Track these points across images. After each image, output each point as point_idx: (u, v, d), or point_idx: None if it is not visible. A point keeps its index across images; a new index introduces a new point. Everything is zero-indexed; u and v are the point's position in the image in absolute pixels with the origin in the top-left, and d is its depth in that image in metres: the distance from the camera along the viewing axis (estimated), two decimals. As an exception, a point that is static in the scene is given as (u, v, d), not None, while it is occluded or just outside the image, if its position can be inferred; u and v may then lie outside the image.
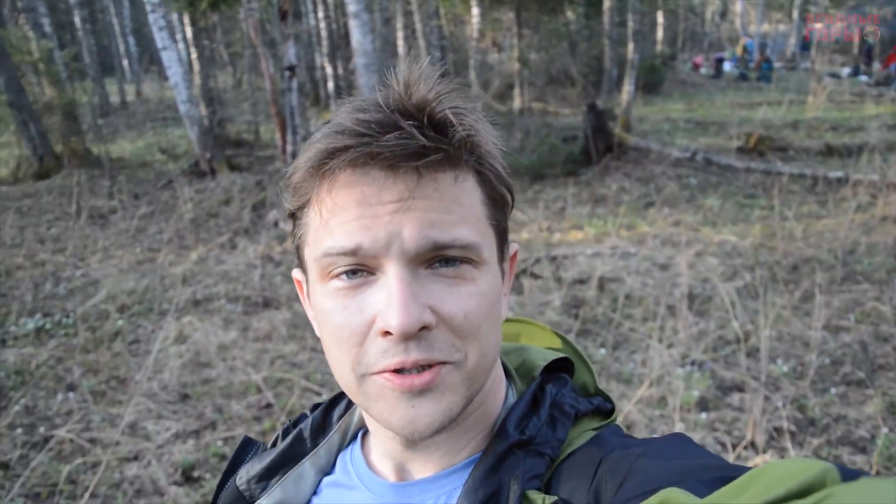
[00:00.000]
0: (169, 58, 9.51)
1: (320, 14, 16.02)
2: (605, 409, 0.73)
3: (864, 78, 22.47)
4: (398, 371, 0.61)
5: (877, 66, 24.83)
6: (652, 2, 25.69)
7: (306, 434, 0.81)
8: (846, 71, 24.01)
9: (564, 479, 0.64)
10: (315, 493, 0.79)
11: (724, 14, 40.08)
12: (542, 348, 0.80)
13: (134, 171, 11.36)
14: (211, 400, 4.17)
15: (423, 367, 0.61)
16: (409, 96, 0.61)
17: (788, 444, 3.34)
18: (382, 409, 0.63)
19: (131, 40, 28.60)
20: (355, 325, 0.62)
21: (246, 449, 0.85)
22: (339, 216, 0.62)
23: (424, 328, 0.60)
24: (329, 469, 0.80)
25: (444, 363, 0.61)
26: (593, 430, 0.69)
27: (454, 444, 0.71)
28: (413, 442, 0.70)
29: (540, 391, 0.71)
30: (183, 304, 5.51)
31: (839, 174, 8.95)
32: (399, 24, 13.03)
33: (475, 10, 14.88)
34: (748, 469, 0.49)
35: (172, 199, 9.22)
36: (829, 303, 4.96)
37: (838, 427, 3.54)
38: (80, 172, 10.42)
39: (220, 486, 0.83)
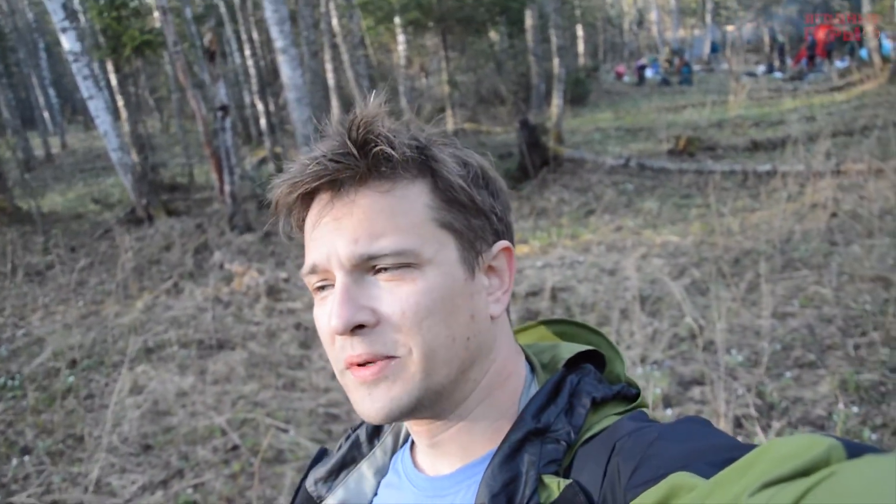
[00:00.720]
0: (96, 106, 9.34)
1: (247, 52, 15.94)
2: (630, 395, 0.75)
3: (778, 75, 23.39)
4: (360, 366, 0.69)
5: (789, 62, 25.87)
6: (571, 16, 26.33)
7: (363, 438, 0.88)
8: (761, 69, 24.99)
9: (581, 464, 0.66)
10: (375, 494, 0.84)
11: (640, 23, 41.28)
12: (575, 344, 0.82)
13: (67, 223, 11.07)
14: (175, 448, 4.08)
15: (372, 362, 0.68)
16: (346, 125, 0.70)
17: (757, 429, 3.44)
18: (354, 399, 0.71)
19: (51, 92, 27.92)
20: (324, 330, 0.72)
21: (319, 457, 0.92)
22: (308, 240, 0.73)
23: (362, 326, 0.68)
24: (385, 471, 0.86)
25: (389, 357, 0.68)
26: (616, 415, 0.71)
27: (466, 438, 0.75)
28: (431, 433, 0.76)
29: (561, 382, 0.74)
30: (135, 353, 5.38)
31: (767, 167, 9.29)
32: (327, 56, 13.06)
33: (401, 38, 15.02)
34: (755, 447, 0.49)
35: (111, 249, 9.02)
36: (774, 291, 5.13)
37: (797, 408, 3.67)
38: (10, 230, 10.12)
39: (296, 493, 0.90)
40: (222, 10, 15.06)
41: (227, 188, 9.11)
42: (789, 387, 3.90)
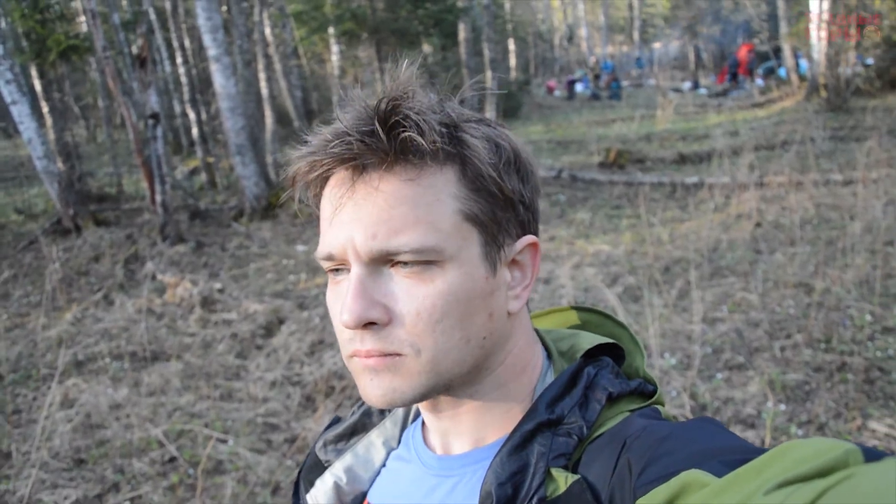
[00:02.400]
0: (19, 112, 9.02)
1: (178, 60, 15.64)
2: (646, 392, 0.74)
3: (703, 91, 24.17)
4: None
5: (713, 79, 26.78)
6: (503, 30, 26.69)
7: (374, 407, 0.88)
8: (687, 85, 25.79)
9: (591, 459, 0.65)
10: (384, 465, 0.85)
11: (571, 38, 42.14)
12: (596, 335, 0.81)
13: (-12, 234, 10.65)
14: (110, 461, 3.97)
15: (374, 357, 0.68)
16: (365, 107, 0.67)
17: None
18: (358, 383, 0.70)
19: (-32, 98, 26.80)
20: (335, 314, 0.70)
21: (332, 423, 0.91)
22: (324, 222, 0.71)
23: (373, 323, 0.66)
24: (396, 443, 0.87)
25: (396, 354, 0.67)
26: (630, 411, 0.70)
27: (479, 421, 0.75)
28: (435, 408, 0.76)
29: (579, 373, 0.72)
30: (64, 366, 5.21)
31: (695, 179, 9.60)
32: (261, 65, 12.93)
33: (335, 48, 14.98)
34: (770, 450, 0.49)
35: (36, 261, 8.71)
36: (703, 297, 5.31)
37: (728, 408, 3.81)
38: (-74, 241, 9.68)
39: (307, 457, 0.90)
40: (152, 16, 14.75)
41: (158, 198, 8.91)
42: (720, 388, 4.05)
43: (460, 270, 0.67)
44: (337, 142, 0.65)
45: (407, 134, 0.64)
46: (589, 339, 0.78)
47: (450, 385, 0.70)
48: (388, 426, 0.87)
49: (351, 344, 0.68)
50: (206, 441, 4.07)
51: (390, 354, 0.67)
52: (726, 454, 0.53)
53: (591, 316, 0.87)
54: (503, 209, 0.70)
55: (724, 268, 6.12)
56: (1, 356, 5.62)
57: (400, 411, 0.88)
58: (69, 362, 5.35)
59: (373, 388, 0.68)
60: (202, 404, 4.58)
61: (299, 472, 0.90)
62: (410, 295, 0.66)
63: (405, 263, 0.66)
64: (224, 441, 4.09)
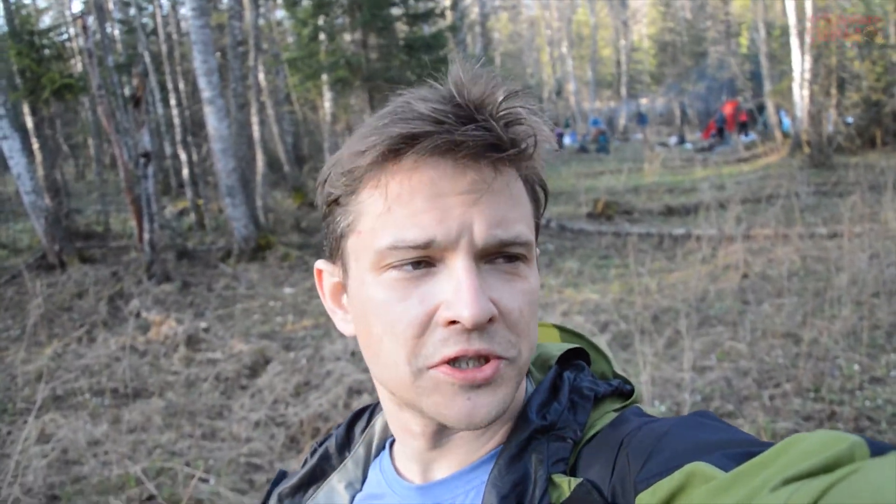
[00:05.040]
0: (10, 147, 9.02)
1: (172, 101, 15.76)
2: (625, 391, 0.74)
3: (689, 146, 24.57)
4: (454, 364, 0.62)
5: (698, 134, 27.25)
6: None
7: (332, 450, 0.83)
8: (673, 140, 26.21)
9: (588, 461, 0.64)
10: None
11: (559, 93, 42.84)
12: (560, 343, 0.81)
13: (-30, 269, 10.53)
14: (85, 499, 3.87)
15: (481, 359, 0.62)
16: (473, 91, 0.62)
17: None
18: (438, 401, 0.63)
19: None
20: (414, 315, 0.62)
21: (279, 478, 0.85)
22: (409, 206, 0.62)
23: (490, 321, 0.61)
24: (360, 484, 0.80)
25: (500, 358, 0.62)
26: (615, 411, 0.69)
27: (478, 439, 0.71)
28: (439, 439, 0.71)
29: (558, 379, 0.72)
30: (42, 401, 5.10)
31: (682, 231, 9.69)
32: (254, 109, 13.03)
33: (327, 95, 15.13)
34: (774, 444, 0.48)
35: (18, 295, 8.61)
36: (692, 346, 5.29)
37: (718, 456, 3.77)
38: None
39: None
40: (147, 59, 14.89)
41: (146, 236, 8.87)
42: (710, 434, 4.01)
43: (535, 274, 0.67)
44: (479, 125, 0.60)
45: (543, 133, 0.64)
46: (557, 347, 0.78)
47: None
48: (350, 468, 0.81)
49: (447, 346, 0.61)
50: (186, 480, 3.97)
51: (498, 358, 0.62)
52: (728, 447, 0.52)
53: (544, 330, 0.86)
54: (540, 222, 0.71)
55: (712, 317, 6.13)
56: (-22, 390, 5.52)
57: (361, 450, 0.82)
58: (48, 397, 5.24)
59: (476, 409, 0.62)
60: (184, 442, 4.49)
61: None
62: (512, 290, 0.63)
63: (507, 259, 0.64)
64: (205, 480, 3.99)
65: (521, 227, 0.64)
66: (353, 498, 0.79)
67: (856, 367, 4.70)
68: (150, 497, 3.85)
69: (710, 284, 7.07)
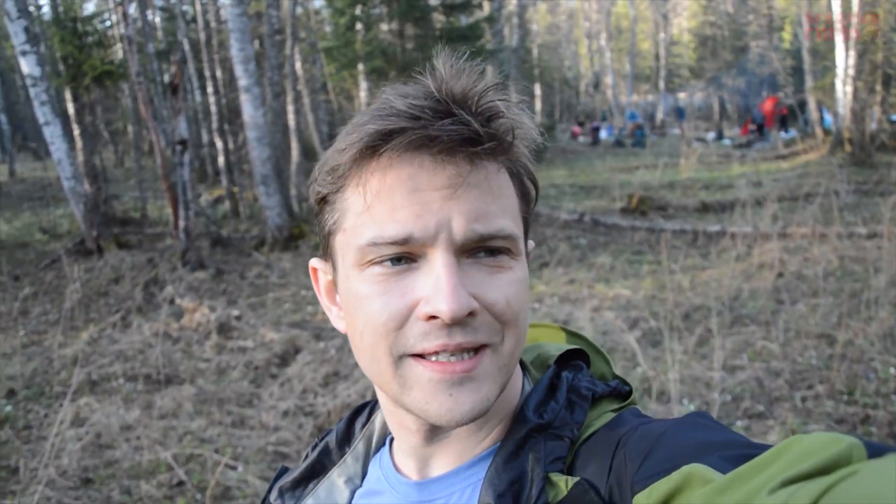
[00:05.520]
0: (52, 133, 9.19)
1: (209, 89, 15.92)
2: (623, 392, 0.74)
3: (727, 141, 24.21)
4: (433, 358, 0.62)
5: (737, 130, 26.84)
6: (530, 75, 26.97)
7: (332, 445, 0.83)
8: (711, 135, 25.83)
9: (585, 461, 0.64)
10: None
11: (597, 86, 42.47)
12: (559, 343, 0.81)
13: (12, 251, 10.77)
14: (117, 482, 3.94)
15: (464, 351, 0.62)
16: (454, 86, 0.62)
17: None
18: (419, 397, 0.63)
19: (3, 118, 27.36)
20: (395, 309, 0.62)
21: (280, 473, 0.86)
22: (387, 202, 0.62)
23: (470, 314, 0.61)
24: (359, 480, 0.81)
25: (485, 345, 0.63)
26: (612, 411, 0.70)
27: (474, 436, 0.72)
28: (434, 435, 0.71)
29: (556, 378, 0.72)
30: (77, 385, 5.21)
31: (717, 228, 9.55)
32: (289, 98, 13.11)
33: (363, 85, 15.17)
34: (771, 446, 0.48)
35: (57, 280, 8.78)
36: (724, 345, 5.23)
37: (747, 459, 3.72)
38: (-49, 256, 9.81)
39: None
40: (186, 47, 15.05)
41: (181, 223, 8.99)
42: (739, 437, 3.97)
43: (523, 264, 0.68)
44: (454, 119, 0.60)
45: (523, 126, 0.65)
46: (555, 347, 0.78)
47: (501, 391, 0.67)
48: (350, 463, 0.81)
49: (428, 340, 0.62)
50: (214, 467, 4.03)
51: (481, 346, 0.63)
52: (725, 448, 0.52)
53: (542, 330, 0.87)
54: (530, 216, 0.71)
55: (744, 316, 6.04)
56: (16, 372, 5.65)
57: (361, 445, 0.82)
58: (83, 381, 5.35)
59: (458, 405, 0.62)
60: (213, 430, 4.55)
61: None
62: (497, 282, 0.64)
63: (489, 253, 0.64)
64: (233, 468, 4.05)
65: (503, 220, 0.64)
66: (352, 493, 0.80)
67: (892, 370, 4.60)
68: (180, 483, 3.91)
69: (743, 283, 6.97)
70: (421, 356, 0.63)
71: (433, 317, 0.61)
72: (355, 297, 0.66)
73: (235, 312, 7.08)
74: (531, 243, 0.74)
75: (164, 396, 5.10)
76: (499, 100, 0.63)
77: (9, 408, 5.03)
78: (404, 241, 0.62)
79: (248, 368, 5.64)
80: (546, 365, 0.76)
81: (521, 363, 0.78)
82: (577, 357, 0.78)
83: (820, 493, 0.37)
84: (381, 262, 0.63)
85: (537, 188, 0.72)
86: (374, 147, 0.62)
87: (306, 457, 0.84)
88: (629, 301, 6.87)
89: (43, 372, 5.73)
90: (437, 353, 0.62)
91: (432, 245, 0.62)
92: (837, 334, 5.16)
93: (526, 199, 0.70)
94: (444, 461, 0.73)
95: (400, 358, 0.63)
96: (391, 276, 0.63)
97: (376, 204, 0.63)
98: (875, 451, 0.41)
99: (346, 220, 0.66)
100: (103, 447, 4.38)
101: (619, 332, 5.78)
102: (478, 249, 0.64)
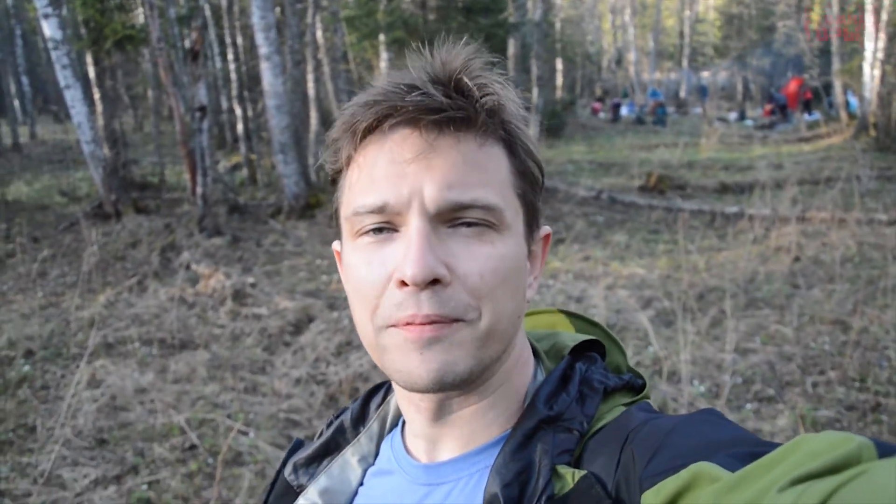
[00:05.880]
0: (72, 96, 9.23)
1: (230, 56, 15.89)
2: (637, 385, 0.74)
3: (749, 122, 23.92)
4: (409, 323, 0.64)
5: (759, 111, 26.50)
6: (552, 49, 26.71)
7: (347, 424, 0.84)
8: (733, 115, 25.53)
9: (593, 454, 0.64)
10: (361, 483, 0.81)
11: (619, 62, 41.99)
12: (577, 334, 0.80)
13: (32, 213, 10.88)
14: (131, 444, 4.01)
15: (434, 323, 0.63)
16: (442, 66, 0.65)
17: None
18: (394, 358, 0.65)
19: (24, 80, 27.47)
20: (375, 277, 0.65)
21: (295, 447, 0.87)
22: (369, 173, 0.65)
23: (438, 282, 0.62)
24: (372, 459, 0.82)
25: (456, 320, 0.63)
26: (624, 405, 0.70)
27: (480, 421, 0.72)
28: (439, 416, 0.72)
29: (569, 369, 0.72)
30: (94, 347, 5.28)
31: (735, 209, 9.48)
32: (309, 66, 13.07)
33: (384, 55, 15.08)
34: (780, 445, 0.48)
35: (75, 243, 8.87)
36: (737, 327, 5.22)
37: (755, 442, 3.73)
38: (-28, 216, 9.93)
39: (272, 484, 0.86)
40: (207, 12, 15.01)
41: (199, 189, 9.03)
42: (749, 418, 3.97)
43: (513, 240, 0.67)
44: (418, 92, 0.63)
45: (496, 99, 0.65)
46: (571, 338, 0.78)
47: (486, 368, 0.67)
48: (364, 442, 0.82)
49: (400, 309, 0.63)
50: (227, 431, 4.09)
51: (452, 321, 0.63)
52: (734, 446, 0.52)
53: (561, 318, 0.87)
54: (537, 196, 0.71)
55: (759, 299, 6.01)
56: (34, 333, 5.73)
57: (375, 425, 0.83)
58: (99, 344, 5.42)
59: (424, 364, 0.63)
60: (226, 395, 4.61)
61: (266, 501, 0.86)
62: (473, 254, 0.64)
63: (468, 224, 0.64)
64: (245, 433, 4.11)
65: (481, 191, 0.64)
66: (365, 472, 0.81)
67: (905, 359, 4.58)
68: (192, 446, 3.97)
69: (759, 266, 6.93)
70: (396, 326, 0.64)
71: (405, 283, 0.62)
72: (348, 268, 0.69)
73: (250, 279, 7.13)
74: (545, 228, 0.74)
75: (179, 361, 5.17)
76: (476, 78, 0.65)
77: (27, 368, 5.11)
78: (381, 209, 0.64)
79: (262, 336, 5.69)
80: (561, 355, 0.76)
81: (535, 352, 0.78)
82: (593, 347, 0.78)
83: (829, 492, 0.37)
84: (366, 233, 0.66)
85: (541, 168, 0.72)
86: (353, 124, 0.66)
87: (321, 434, 0.86)
88: (643, 280, 6.85)
89: (60, 333, 5.81)
90: (409, 323, 0.63)
91: (407, 212, 0.64)
92: (852, 321, 5.13)
93: (525, 176, 0.70)
94: (451, 445, 0.73)
95: (379, 329, 0.65)
96: (375, 245, 0.66)
97: (362, 177, 0.66)
98: (885, 451, 0.41)
99: (343, 196, 0.70)
100: (118, 409, 4.45)
101: (633, 311, 5.77)
102: (456, 219, 0.64)
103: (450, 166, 0.64)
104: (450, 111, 0.63)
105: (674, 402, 4.10)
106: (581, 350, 0.77)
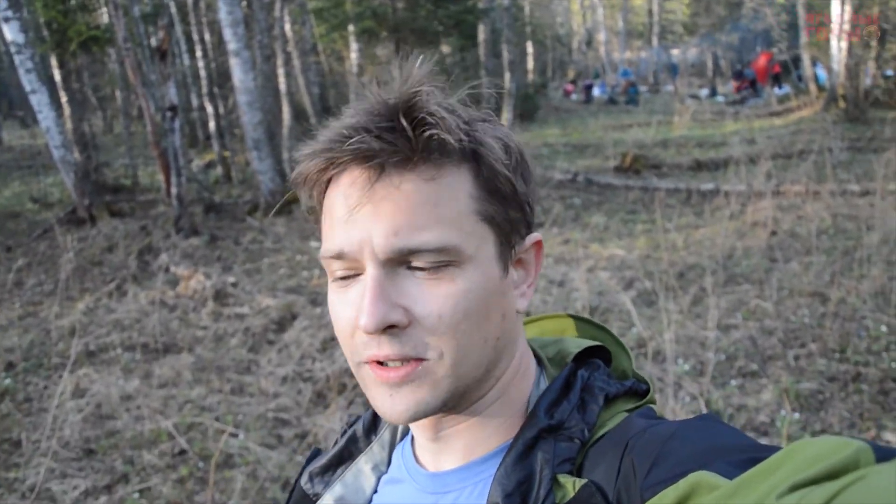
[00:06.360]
0: (39, 101, 9.08)
1: (198, 53, 15.71)
2: (640, 391, 0.73)
3: (720, 98, 24.08)
4: (381, 363, 0.66)
5: (730, 87, 26.66)
6: (522, 33, 26.68)
7: (360, 433, 0.85)
8: (704, 92, 25.68)
9: (594, 463, 0.65)
10: (375, 491, 0.82)
11: (589, 43, 42.02)
12: (580, 339, 0.80)
13: (3, 222, 10.73)
14: (119, 452, 3.99)
15: (401, 361, 0.65)
16: (384, 103, 0.64)
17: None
18: (372, 395, 0.68)
19: (-12, 86, 26.98)
20: (346, 318, 0.67)
21: (313, 455, 0.88)
22: (331, 216, 0.67)
23: (393, 326, 0.63)
24: (385, 467, 0.83)
25: (418, 360, 0.65)
26: (626, 411, 0.69)
27: (478, 434, 0.73)
28: (436, 431, 0.73)
29: (572, 377, 0.72)
30: (76, 356, 5.23)
31: (710, 186, 9.56)
32: (280, 60, 12.95)
33: (354, 46, 15.00)
34: (779, 449, 0.48)
35: (50, 250, 8.76)
36: (718, 304, 5.27)
37: (741, 415, 3.79)
38: (-58, 227, 9.76)
39: (290, 493, 0.87)
40: (173, 10, 14.82)
41: (173, 190, 8.94)
42: (734, 395, 4.02)
43: (478, 271, 0.66)
44: (356, 138, 0.62)
45: (433, 132, 0.62)
46: (575, 344, 0.78)
47: (466, 391, 0.68)
48: (376, 450, 0.84)
49: (366, 349, 0.65)
50: (216, 434, 4.07)
51: (413, 360, 0.64)
52: (733, 453, 0.53)
53: (567, 322, 0.87)
54: (514, 209, 0.69)
55: (738, 275, 6.08)
56: (14, 344, 5.66)
57: (387, 434, 0.85)
58: (81, 352, 5.37)
59: (392, 405, 0.66)
60: (213, 398, 4.59)
61: None
62: (430, 296, 0.64)
63: (421, 268, 0.64)
64: (235, 435, 4.09)
65: (431, 233, 0.63)
66: (378, 479, 0.82)
67: (883, 327, 4.66)
68: (182, 451, 3.96)
69: (737, 241, 6.99)
70: (367, 363, 0.67)
71: None
72: (329, 305, 0.71)
73: (231, 279, 7.09)
74: (533, 235, 0.73)
75: (163, 365, 5.13)
76: (421, 107, 0.63)
77: (8, 380, 5.05)
78: (339, 257, 0.66)
79: (246, 335, 5.66)
80: (564, 363, 0.76)
81: (539, 359, 0.78)
82: (598, 353, 0.78)
83: (828, 497, 0.37)
84: (336, 279, 0.68)
85: (525, 176, 0.70)
86: (307, 175, 0.68)
87: (336, 443, 0.87)
88: (623, 261, 6.89)
89: (41, 343, 5.75)
90: (376, 362, 0.66)
91: (362, 258, 0.65)
92: (830, 292, 5.20)
93: (495, 195, 0.67)
94: (453, 456, 0.74)
95: (357, 364, 0.68)
96: (344, 286, 0.68)
97: (327, 220, 0.69)
98: (883, 455, 0.41)
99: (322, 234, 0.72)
100: (104, 418, 4.41)
101: (614, 292, 5.81)
102: (409, 263, 0.64)
103: (394, 210, 0.63)
104: (382, 156, 0.63)
105: (660, 381, 4.13)
106: (586, 356, 0.77)
